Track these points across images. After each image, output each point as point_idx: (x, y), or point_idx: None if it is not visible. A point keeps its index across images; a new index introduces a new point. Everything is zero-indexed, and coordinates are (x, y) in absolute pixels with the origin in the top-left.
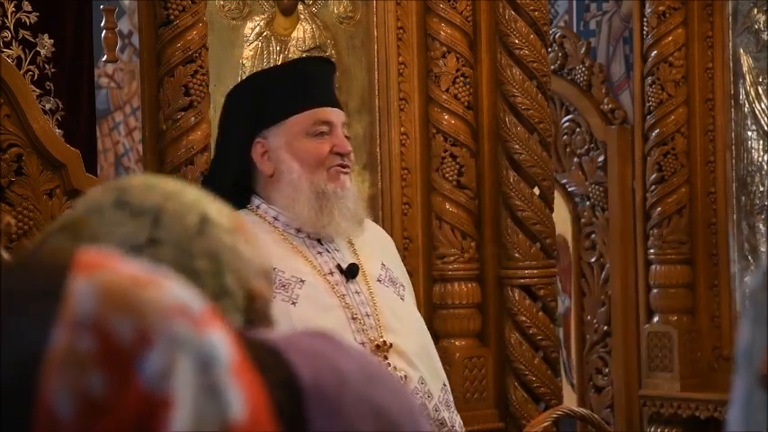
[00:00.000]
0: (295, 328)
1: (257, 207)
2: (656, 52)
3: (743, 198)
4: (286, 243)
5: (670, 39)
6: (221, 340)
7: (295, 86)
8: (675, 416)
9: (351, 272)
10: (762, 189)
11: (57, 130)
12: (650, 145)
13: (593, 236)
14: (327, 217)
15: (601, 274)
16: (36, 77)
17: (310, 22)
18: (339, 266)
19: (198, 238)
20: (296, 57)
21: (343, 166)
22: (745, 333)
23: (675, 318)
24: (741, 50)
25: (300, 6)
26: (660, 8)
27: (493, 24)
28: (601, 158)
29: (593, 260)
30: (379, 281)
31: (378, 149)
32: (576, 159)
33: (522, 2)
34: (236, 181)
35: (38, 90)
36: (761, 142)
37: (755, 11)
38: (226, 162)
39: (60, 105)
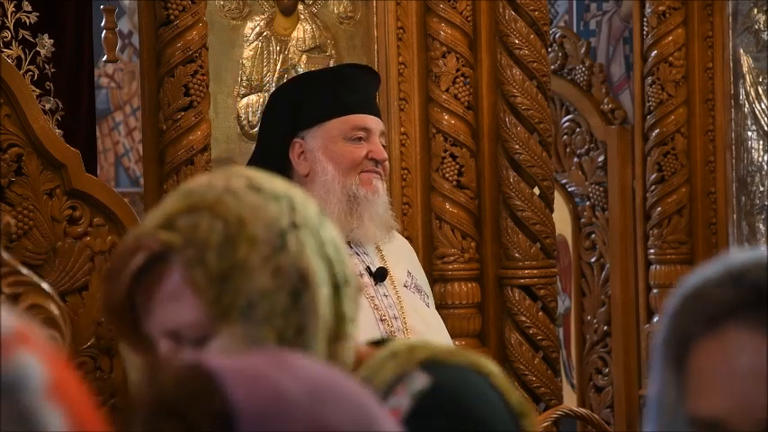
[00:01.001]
0: None
1: None
2: (656, 52)
3: (743, 198)
4: None
5: (670, 39)
6: (32, 361)
7: (337, 91)
8: None
9: (380, 275)
10: (762, 189)
11: (57, 130)
12: (650, 145)
13: (593, 236)
14: (357, 220)
15: (601, 274)
16: (36, 77)
17: (310, 22)
18: (368, 269)
19: (322, 227)
20: (295, 56)
21: (377, 173)
22: (656, 381)
23: None
24: (741, 50)
25: (300, 6)
26: (660, 8)
27: (493, 24)
28: (601, 158)
29: (593, 260)
30: (406, 286)
31: None
32: (575, 159)
33: (522, 2)
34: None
35: (38, 90)
36: (761, 142)
37: (755, 11)
38: (264, 160)
39: (60, 105)
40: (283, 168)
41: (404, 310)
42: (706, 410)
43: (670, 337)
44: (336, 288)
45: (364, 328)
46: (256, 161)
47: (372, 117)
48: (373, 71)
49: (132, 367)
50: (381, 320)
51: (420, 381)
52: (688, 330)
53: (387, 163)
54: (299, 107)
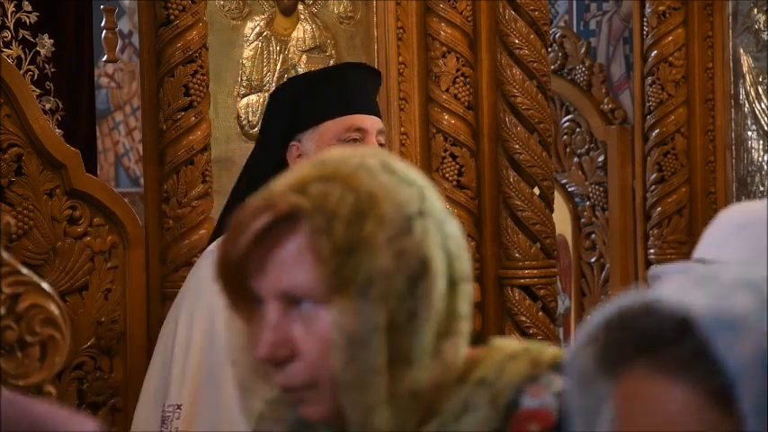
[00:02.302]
0: None
1: None
2: (656, 52)
3: (743, 198)
4: None
5: (670, 39)
6: None
7: (332, 91)
8: None
9: None
10: (762, 189)
11: (57, 130)
12: (650, 145)
13: (593, 236)
14: None
15: (601, 274)
16: (36, 77)
17: (310, 22)
18: None
19: (447, 221)
20: (295, 56)
21: None
22: (572, 396)
23: None
24: (741, 50)
25: (300, 6)
26: (660, 8)
27: (493, 24)
28: (601, 158)
29: (593, 260)
30: None
31: None
32: (576, 159)
33: (522, 2)
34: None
35: (38, 90)
36: (761, 142)
37: (755, 11)
38: (262, 162)
39: (60, 105)
40: (282, 171)
41: None
42: None
43: (601, 359)
44: (453, 284)
45: None
46: (254, 163)
47: (369, 116)
48: (372, 69)
49: (236, 333)
50: None
51: (558, 382)
52: (605, 358)
53: None
54: (295, 109)
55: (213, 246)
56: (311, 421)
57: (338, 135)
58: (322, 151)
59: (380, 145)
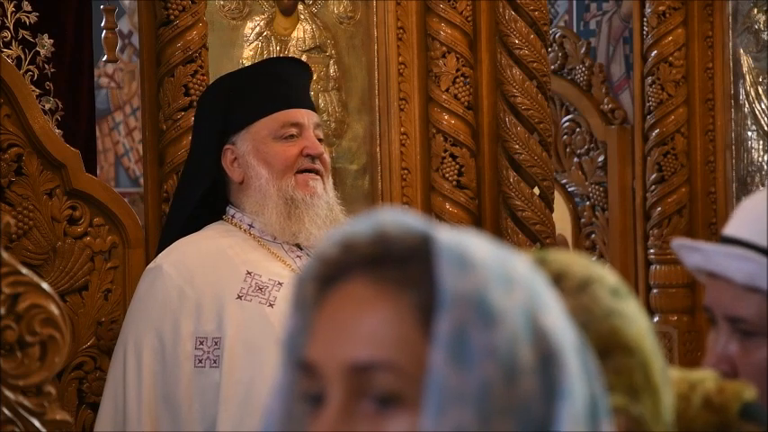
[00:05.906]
0: (274, 330)
1: (232, 216)
2: (656, 52)
3: (743, 198)
4: (263, 249)
5: (670, 39)
6: None
7: (262, 88)
8: None
9: None
10: (762, 189)
11: (57, 130)
12: (650, 145)
13: (593, 236)
14: (297, 224)
15: None
16: (36, 77)
17: (310, 22)
18: None
19: None
20: (295, 56)
21: (314, 171)
22: (289, 321)
23: (675, 318)
24: (741, 50)
25: (300, 6)
26: (660, 8)
27: (493, 24)
28: (601, 158)
29: (593, 260)
30: None
31: (378, 149)
32: (576, 159)
33: (522, 2)
34: (209, 190)
35: (38, 90)
36: (761, 142)
37: (755, 11)
38: (197, 171)
39: (60, 105)
40: (218, 179)
41: None
42: (309, 353)
43: (313, 277)
44: None
45: None
46: (190, 172)
47: (303, 110)
48: (301, 62)
49: None
50: None
51: None
52: (327, 276)
53: (326, 156)
54: (225, 111)
55: (155, 262)
56: None
57: (274, 132)
58: (259, 152)
59: (319, 140)
